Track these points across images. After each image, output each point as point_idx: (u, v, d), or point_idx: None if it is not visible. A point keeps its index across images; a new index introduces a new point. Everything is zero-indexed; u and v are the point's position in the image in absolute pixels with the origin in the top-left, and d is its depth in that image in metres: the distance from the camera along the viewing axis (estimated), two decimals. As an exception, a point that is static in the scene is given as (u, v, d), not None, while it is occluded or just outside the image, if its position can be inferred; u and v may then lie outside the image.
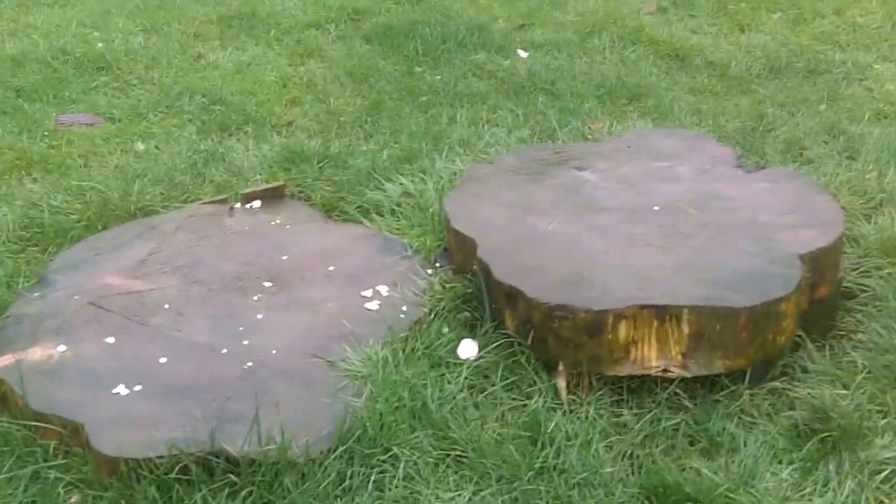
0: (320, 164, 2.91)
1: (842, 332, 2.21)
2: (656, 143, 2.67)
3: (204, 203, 2.62)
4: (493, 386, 2.05)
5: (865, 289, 2.32)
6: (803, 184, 2.46)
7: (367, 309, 2.24)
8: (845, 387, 2.01)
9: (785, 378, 2.08)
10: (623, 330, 2.01)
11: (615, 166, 2.53)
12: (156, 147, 3.01)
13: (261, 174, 2.83)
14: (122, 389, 1.99)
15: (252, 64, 3.63)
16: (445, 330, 2.20)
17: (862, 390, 2.00)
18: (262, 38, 3.87)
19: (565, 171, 2.50)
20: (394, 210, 2.65)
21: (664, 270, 2.11)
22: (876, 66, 3.54)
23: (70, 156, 2.93)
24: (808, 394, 1.99)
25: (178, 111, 3.26)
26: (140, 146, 3.00)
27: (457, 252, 2.34)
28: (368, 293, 2.29)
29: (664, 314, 2.00)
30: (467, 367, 2.09)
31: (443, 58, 3.71)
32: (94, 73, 3.50)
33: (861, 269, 2.37)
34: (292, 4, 4.17)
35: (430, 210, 2.57)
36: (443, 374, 2.08)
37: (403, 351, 2.11)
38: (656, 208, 2.33)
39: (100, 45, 3.69)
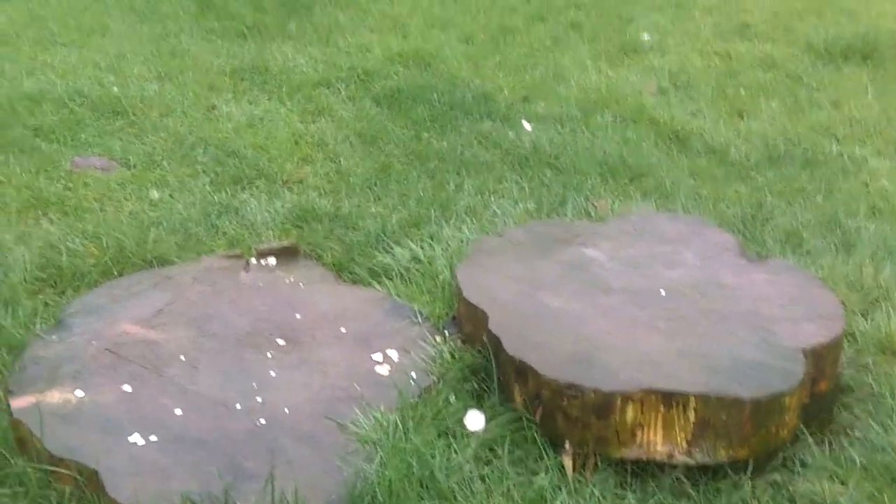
0: (331, 224, 2.96)
1: (840, 428, 2.28)
2: (660, 226, 2.75)
3: (220, 256, 2.67)
4: (500, 459, 2.10)
5: (863, 385, 2.39)
6: (804, 277, 2.54)
7: (377, 373, 2.29)
8: (843, 483, 2.07)
9: (785, 470, 2.13)
10: (630, 413, 2.07)
11: (621, 247, 2.60)
12: (170, 195, 3.06)
13: (273, 230, 2.89)
14: (137, 438, 2.02)
15: (264, 118, 3.69)
16: (453, 399, 2.25)
17: (860, 490, 2.06)
18: (275, 93, 3.95)
19: (572, 249, 2.57)
20: (402, 274, 2.71)
21: (669, 355, 2.17)
22: (871, 161, 3.65)
23: (86, 198, 2.97)
24: (809, 489, 2.05)
25: (191, 161, 3.31)
26: (155, 194, 3.05)
27: (466, 322, 2.39)
28: (378, 357, 2.34)
29: (671, 400, 2.06)
30: (475, 440, 2.14)
31: (449, 124, 3.79)
32: (109, 117, 3.55)
33: (859, 364, 2.44)
34: (304, 62, 4.25)
35: (440, 277, 2.63)
36: (450, 444, 2.12)
37: (413, 418, 2.15)
38: (662, 292, 2.40)
39: (115, 89, 3.75)
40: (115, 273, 2.59)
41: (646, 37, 4.74)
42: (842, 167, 3.62)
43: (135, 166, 3.25)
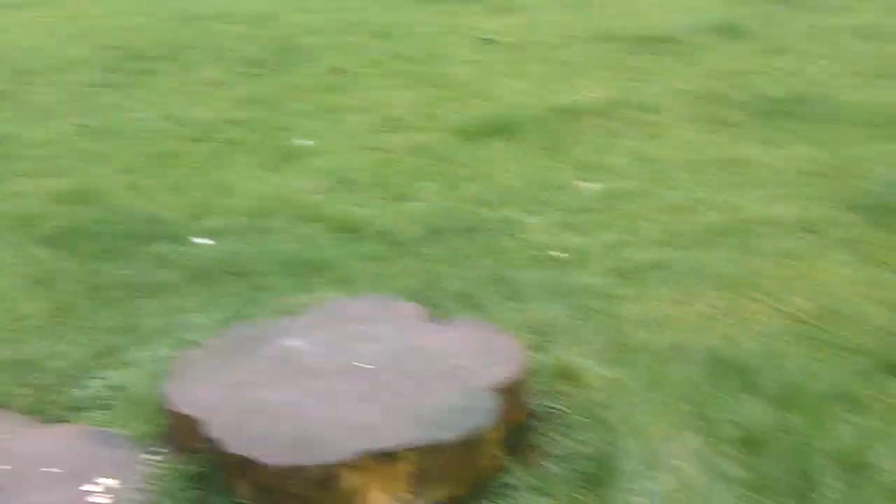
0: (15, 371, 2.88)
1: (539, 450, 2.50)
2: (351, 309, 2.90)
3: None
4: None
5: (550, 409, 2.64)
6: (485, 328, 2.77)
7: (91, 502, 2.26)
8: (550, 495, 2.28)
9: (501, 496, 2.32)
10: (351, 479, 2.18)
11: (319, 333, 2.73)
12: None
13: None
14: None
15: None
16: (179, 510, 2.26)
17: (563, 496, 2.27)
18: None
19: (273, 344, 2.66)
20: (103, 404, 2.68)
21: (380, 420, 2.30)
22: (526, 220, 4.01)
23: None
24: (521, 507, 2.24)
25: None
26: None
27: (179, 434, 2.41)
28: (96, 488, 2.31)
29: (387, 458, 2.19)
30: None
31: (124, 253, 3.78)
32: None
33: (544, 393, 2.69)
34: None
35: (144, 399, 2.63)
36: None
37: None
38: (365, 366, 2.54)
39: None
40: None
41: (301, 141, 4.95)
42: (501, 230, 3.96)
43: None
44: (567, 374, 2.86)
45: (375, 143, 4.96)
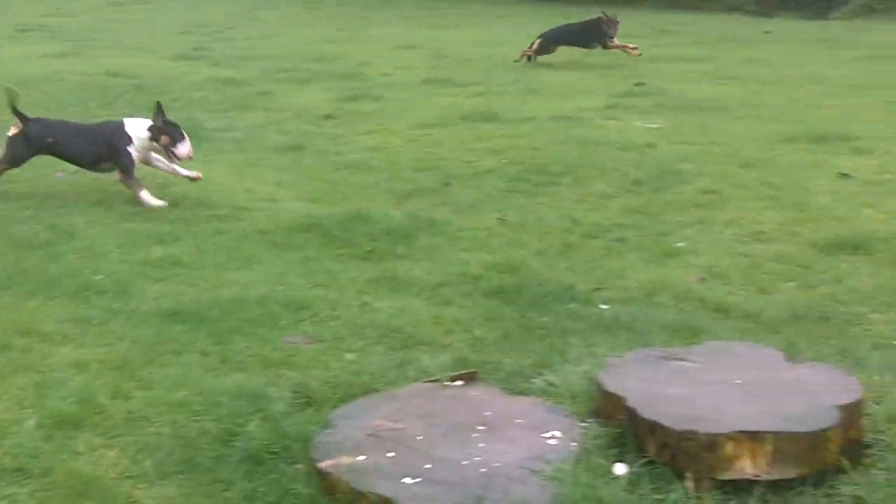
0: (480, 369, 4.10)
1: (869, 462, 3.34)
2: (729, 348, 3.89)
3: (424, 381, 3.80)
4: (643, 488, 3.15)
5: (883, 440, 3.47)
6: (833, 370, 3.66)
7: (549, 443, 3.37)
8: (871, 491, 3.15)
9: (834, 483, 3.20)
10: (728, 447, 3.14)
11: (705, 359, 3.72)
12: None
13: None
14: (408, 481, 3.09)
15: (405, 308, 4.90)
16: (602, 460, 3.32)
17: (883, 494, 3.13)
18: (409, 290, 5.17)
19: (671, 362, 3.70)
20: (546, 392, 3.82)
21: (751, 412, 3.26)
22: (871, 315, 4.81)
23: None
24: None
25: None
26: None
27: (605, 408, 3.48)
28: (548, 435, 3.43)
29: (755, 436, 3.15)
30: (623, 480, 3.20)
31: (545, 307, 4.97)
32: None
33: (880, 430, 3.53)
34: (421, 272, 5.50)
35: (577, 390, 3.74)
36: (608, 482, 3.18)
37: (579, 469, 3.22)
38: (737, 381, 3.51)
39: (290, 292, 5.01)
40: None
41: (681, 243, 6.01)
42: (849, 321, 4.78)
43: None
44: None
45: (743, 251, 5.91)
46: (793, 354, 3.90)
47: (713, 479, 3.16)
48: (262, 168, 8.13)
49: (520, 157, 8.23)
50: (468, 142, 8.83)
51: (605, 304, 5.08)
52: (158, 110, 6.65)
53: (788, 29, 19.39)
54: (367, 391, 3.84)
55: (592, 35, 13.50)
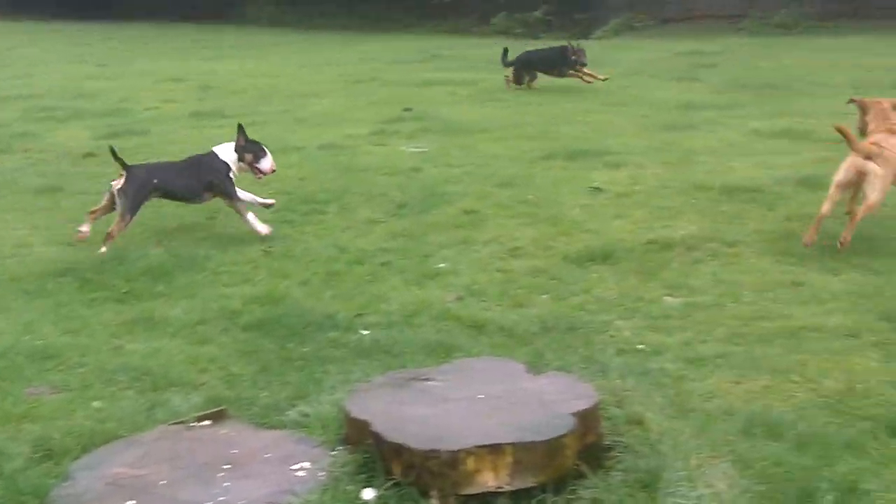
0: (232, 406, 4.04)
1: (608, 464, 3.49)
2: (474, 364, 3.99)
3: (170, 424, 3.71)
4: (392, 508, 3.19)
5: (620, 442, 3.64)
6: (570, 378, 3.81)
7: (297, 476, 3.35)
8: (612, 492, 3.31)
9: (574, 489, 3.32)
10: (469, 462, 3.22)
11: (450, 377, 3.80)
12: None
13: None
14: (148, 527, 3.01)
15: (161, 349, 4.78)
16: (351, 487, 3.34)
17: (622, 494, 3.28)
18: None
19: (419, 382, 3.76)
20: (299, 423, 3.81)
21: (492, 426, 3.35)
22: (617, 323, 5.04)
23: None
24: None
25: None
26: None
27: (352, 435, 3.50)
28: (296, 467, 3.41)
29: (495, 449, 3.23)
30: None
31: (306, 337, 4.96)
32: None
33: (618, 432, 3.70)
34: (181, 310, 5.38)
35: (328, 419, 3.74)
36: (358, 507, 3.20)
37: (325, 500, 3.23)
38: (480, 396, 3.60)
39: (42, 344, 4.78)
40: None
41: (440, 265, 6.13)
42: (596, 329, 4.99)
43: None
44: (634, 421, 3.87)
45: (500, 267, 6.09)
46: (534, 366, 4.04)
47: (457, 494, 3.23)
48: (16, 213, 7.77)
49: (287, 188, 8.20)
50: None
51: (365, 329, 5.12)
52: (241, 131, 6.92)
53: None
54: (111, 439, 3.71)
55: (564, 62, 13.20)
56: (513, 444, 3.25)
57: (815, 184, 7.47)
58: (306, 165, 9.04)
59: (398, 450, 3.28)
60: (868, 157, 6.02)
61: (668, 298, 5.46)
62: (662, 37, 21.98)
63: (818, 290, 5.45)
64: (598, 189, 7.71)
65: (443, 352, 4.68)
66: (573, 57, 13.11)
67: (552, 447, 3.30)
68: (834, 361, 4.57)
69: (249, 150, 6.95)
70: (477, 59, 17.79)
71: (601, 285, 5.69)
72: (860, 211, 6.05)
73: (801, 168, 8.12)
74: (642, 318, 5.19)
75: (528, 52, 14.03)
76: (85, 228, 6.57)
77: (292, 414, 3.92)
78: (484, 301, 5.53)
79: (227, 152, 6.92)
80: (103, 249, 6.37)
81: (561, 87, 13.44)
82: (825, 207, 6.07)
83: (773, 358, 4.62)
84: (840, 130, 6.22)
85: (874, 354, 4.64)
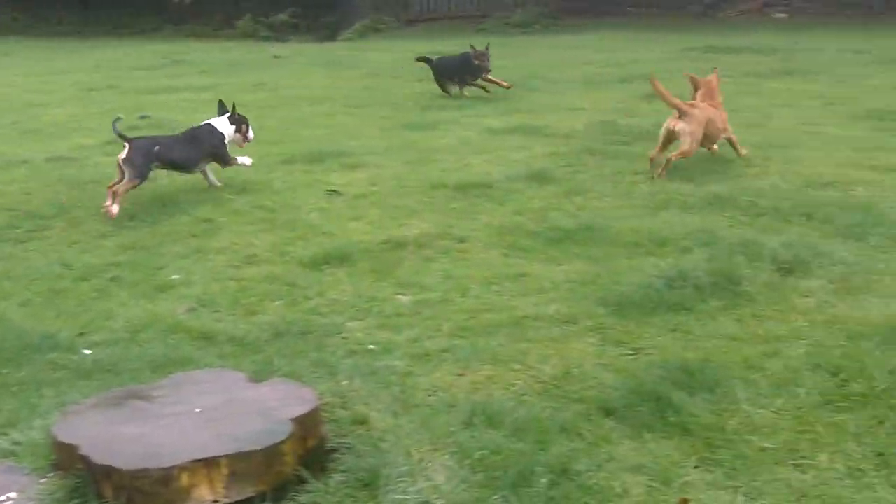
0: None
1: (330, 466, 3.52)
2: (193, 377, 3.91)
3: None
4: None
5: (344, 443, 3.67)
6: (291, 385, 3.81)
7: (3, 509, 3.20)
8: (332, 494, 3.34)
9: (295, 494, 3.32)
10: (184, 478, 3.16)
11: (168, 391, 3.71)
12: None
13: None
14: None
15: None
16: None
17: (343, 496, 3.32)
18: None
19: (134, 400, 3.65)
20: (10, 452, 3.62)
21: (207, 439, 3.30)
22: (349, 324, 5.08)
23: None
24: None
25: None
26: None
27: (63, 461, 3.36)
28: (3, 498, 3.24)
29: (210, 463, 3.19)
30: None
31: (24, 360, 4.73)
32: None
33: (342, 433, 3.73)
34: None
35: (40, 444, 3.58)
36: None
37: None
38: (196, 409, 3.54)
39: None
40: None
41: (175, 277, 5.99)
42: (328, 331, 5.01)
43: None
44: (359, 421, 3.92)
45: (234, 276, 6.01)
46: (258, 374, 4.01)
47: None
48: None
49: (10, 203, 7.80)
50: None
51: (88, 349, 4.93)
52: (232, 107, 8.01)
53: (299, 53, 20.10)
54: None
55: (467, 70, 12.10)
56: (228, 456, 3.22)
57: (545, 178, 7.81)
58: (33, 179, 8.63)
59: (108, 472, 3.18)
60: (680, 115, 7.58)
61: (400, 297, 5.55)
62: (406, 38, 22.32)
63: (541, 280, 5.67)
64: (335, 192, 7.74)
65: (170, 367, 4.56)
66: (476, 62, 12.02)
67: (270, 455, 3.29)
68: (554, 348, 4.77)
69: (242, 121, 8.04)
70: (218, 63, 17.50)
71: (336, 288, 5.71)
72: (674, 155, 7.60)
73: (532, 163, 8.43)
74: (374, 318, 5.25)
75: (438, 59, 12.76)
76: (108, 202, 7.29)
77: (3, 443, 3.73)
78: (216, 311, 5.44)
79: (223, 125, 7.93)
80: (111, 204, 7.27)
81: (303, 89, 13.43)
82: (653, 153, 7.78)
83: (497, 348, 4.78)
84: (656, 88, 7.77)
85: (591, 339, 4.88)
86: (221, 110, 8.08)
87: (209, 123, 7.99)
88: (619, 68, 15.07)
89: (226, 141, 7.93)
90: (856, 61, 15.11)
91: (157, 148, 7.55)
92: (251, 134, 8.21)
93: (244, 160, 8.02)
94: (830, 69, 14.22)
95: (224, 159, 7.94)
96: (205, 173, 7.97)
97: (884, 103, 11.05)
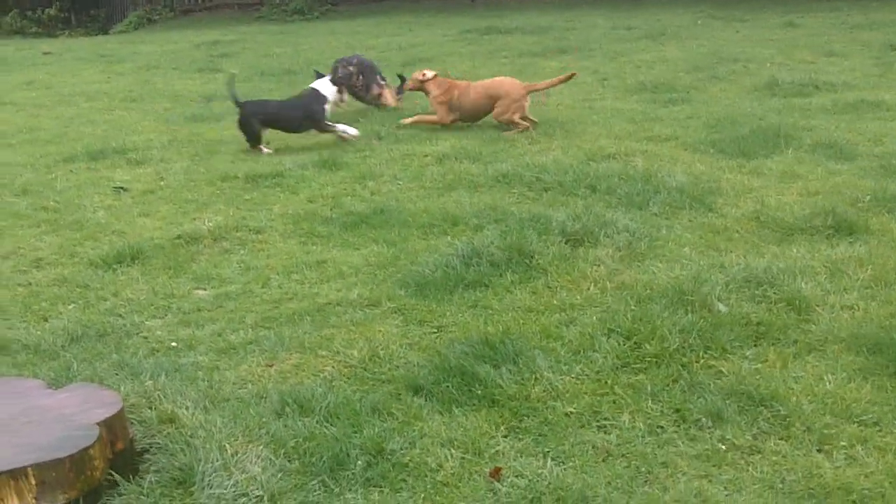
0: None
1: (142, 467, 3.46)
2: None
3: None
4: None
5: (154, 444, 3.62)
6: (91, 388, 3.71)
7: None
8: (146, 495, 3.25)
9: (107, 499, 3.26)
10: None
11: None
12: None
13: None
14: None
15: None
16: None
17: (157, 496, 3.26)
18: None
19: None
20: None
21: (11, 452, 3.18)
22: (149, 323, 4.97)
23: None
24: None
25: None
26: None
27: None
28: None
29: (17, 474, 3.08)
30: None
31: None
32: None
33: (151, 434, 3.66)
34: None
35: None
36: None
37: None
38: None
39: None
40: None
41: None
42: (128, 332, 4.89)
43: None
44: (168, 420, 3.88)
45: (22, 281, 5.76)
46: (56, 380, 3.89)
47: (-22, 531, 3.04)
48: None
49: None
50: None
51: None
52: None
53: (71, 48, 19.32)
54: None
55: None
56: (34, 466, 3.12)
57: (336, 164, 7.86)
58: None
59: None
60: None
61: (200, 292, 5.48)
62: (182, 28, 21.82)
63: (340, 266, 5.72)
64: (121, 188, 7.53)
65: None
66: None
67: (78, 461, 3.21)
68: (359, 332, 4.83)
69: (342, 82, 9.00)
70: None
71: (131, 287, 5.58)
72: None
73: (322, 150, 8.46)
74: (174, 315, 5.16)
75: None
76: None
77: None
78: (6, 319, 5.21)
79: (325, 87, 8.71)
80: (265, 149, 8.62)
81: (78, 85, 12.92)
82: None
83: (303, 336, 4.79)
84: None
85: (394, 321, 4.96)
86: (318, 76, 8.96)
87: (312, 88, 8.73)
88: (401, 52, 15.25)
89: (327, 105, 8.70)
90: (627, 37, 15.84)
91: (261, 115, 8.63)
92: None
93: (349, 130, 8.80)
94: (604, 46, 14.86)
95: (323, 125, 8.73)
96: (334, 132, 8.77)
97: (654, 76, 11.66)
